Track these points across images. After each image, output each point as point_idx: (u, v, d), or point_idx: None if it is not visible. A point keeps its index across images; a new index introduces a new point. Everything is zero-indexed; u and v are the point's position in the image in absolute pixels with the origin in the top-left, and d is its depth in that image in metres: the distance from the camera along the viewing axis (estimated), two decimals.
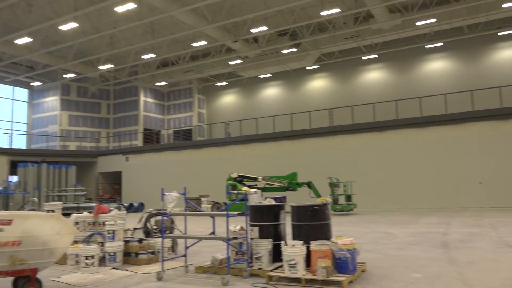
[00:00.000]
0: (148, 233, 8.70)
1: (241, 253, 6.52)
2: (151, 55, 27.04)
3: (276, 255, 6.52)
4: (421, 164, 20.71)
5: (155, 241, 8.11)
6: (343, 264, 5.76)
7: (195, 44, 25.82)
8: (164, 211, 7.33)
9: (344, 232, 11.28)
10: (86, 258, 7.08)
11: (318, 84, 31.54)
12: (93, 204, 17.46)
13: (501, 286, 5.25)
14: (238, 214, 6.59)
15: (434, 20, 23.40)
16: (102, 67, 28.86)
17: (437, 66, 27.56)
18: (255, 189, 7.62)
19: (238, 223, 7.02)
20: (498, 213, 16.16)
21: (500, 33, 25.49)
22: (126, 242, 7.88)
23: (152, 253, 7.90)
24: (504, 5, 21.51)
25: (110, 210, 8.86)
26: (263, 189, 19.15)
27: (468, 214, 15.98)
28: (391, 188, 21.21)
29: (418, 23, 23.82)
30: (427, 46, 27.44)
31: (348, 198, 18.90)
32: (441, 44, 27.11)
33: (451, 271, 6.16)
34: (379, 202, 21.24)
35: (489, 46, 26.14)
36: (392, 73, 28.88)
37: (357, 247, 5.94)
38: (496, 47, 25.97)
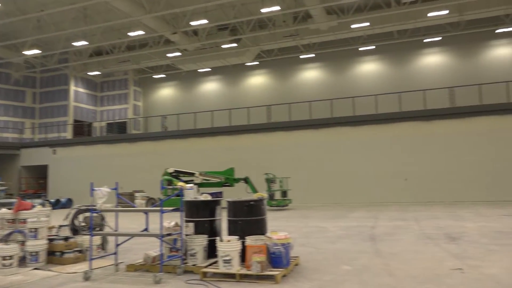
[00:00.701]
0: (75, 231, 8.21)
1: (175, 250, 6.36)
2: (83, 42, 25.56)
3: (212, 251, 6.45)
4: (353, 161, 21.69)
5: (83, 239, 7.67)
6: (277, 258, 5.84)
7: (131, 34, 24.81)
8: (94, 207, 6.94)
9: (279, 227, 11.48)
10: (4, 258, 6.52)
11: (258, 80, 31.79)
12: (14, 200, 16.15)
13: (422, 274, 5.62)
14: (173, 210, 6.42)
15: (368, 24, 24.56)
16: (27, 52, 26.74)
17: (369, 67, 28.97)
18: (191, 185, 7.48)
19: (173, 219, 6.85)
20: (420, 207, 17.39)
21: (425, 40, 27.36)
22: (50, 240, 7.37)
23: (80, 251, 7.47)
24: (429, 14, 23.10)
25: (33, 206, 8.23)
26: (200, 185, 18.95)
27: (394, 209, 17.01)
28: (324, 184, 21.99)
29: (353, 26, 24.85)
30: (360, 49, 28.72)
31: (284, 193, 19.29)
32: (373, 47, 28.52)
33: (378, 263, 6.49)
34: (313, 198, 21.93)
35: (415, 51, 27.95)
36: (328, 72, 29.89)
37: (291, 241, 6.04)
38: (422, 53, 27.85)
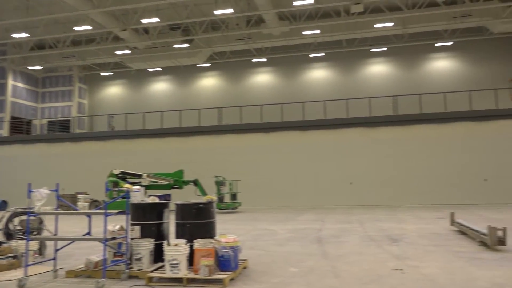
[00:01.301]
0: (9, 235, 7.67)
1: (120, 254, 6.12)
2: (24, 34, 24.09)
3: (159, 255, 6.28)
4: (302, 165, 22.13)
5: (18, 244, 7.17)
6: (225, 262, 5.79)
7: (77, 28, 23.72)
8: (31, 210, 6.51)
9: (228, 230, 11.43)
10: None
11: (209, 82, 31.58)
12: None
13: (366, 275, 5.82)
14: (118, 213, 6.18)
15: (318, 31, 25.22)
16: None
17: (319, 74, 29.75)
18: (138, 187, 7.25)
19: (118, 223, 6.58)
20: (365, 210, 18.06)
21: (372, 50, 28.57)
22: None
23: (14, 257, 6.97)
24: (376, 25, 24.16)
25: None
26: (148, 187, 18.47)
27: (340, 212, 17.53)
28: (274, 187, 22.24)
29: (304, 33, 25.41)
30: (311, 55, 29.43)
31: (234, 196, 19.27)
32: (323, 54, 29.34)
33: (324, 265, 6.63)
34: (263, 200, 22.10)
35: (362, 60, 29.10)
36: (280, 77, 30.32)
37: (239, 244, 6.02)
38: (368, 62, 29.05)
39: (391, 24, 24.04)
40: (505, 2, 23.71)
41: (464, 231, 9.34)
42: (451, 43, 27.51)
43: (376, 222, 12.73)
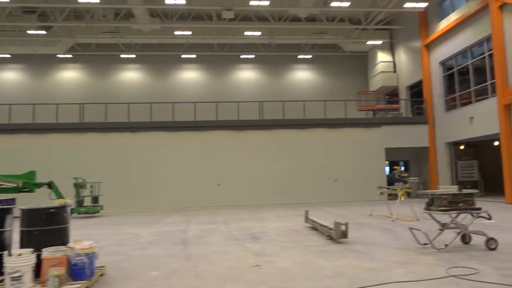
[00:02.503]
0: None
1: None
2: None
3: None
4: (170, 166, 21.80)
5: None
6: (79, 270, 5.36)
7: None
8: None
9: (87, 236, 10.62)
10: None
11: (70, 75, 28.94)
12: None
13: (226, 273, 6.00)
14: None
15: (190, 32, 25.23)
16: None
17: (190, 75, 29.75)
18: None
19: None
20: (231, 210, 18.65)
21: (241, 56, 29.74)
22: None
23: None
24: (245, 33, 25.23)
25: None
26: None
27: (207, 213, 17.77)
28: (140, 189, 21.43)
29: (176, 33, 25.14)
30: (182, 56, 29.28)
31: (95, 199, 17.99)
32: (195, 56, 29.46)
33: (187, 266, 6.64)
34: (129, 203, 21.11)
35: (232, 65, 30.09)
36: (149, 75, 29.42)
37: (96, 250, 5.64)
38: (238, 67, 30.15)
39: (259, 33, 25.38)
40: (355, 24, 27.08)
41: (315, 227, 10.34)
42: (310, 56, 30.27)
43: (240, 222, 13.26)
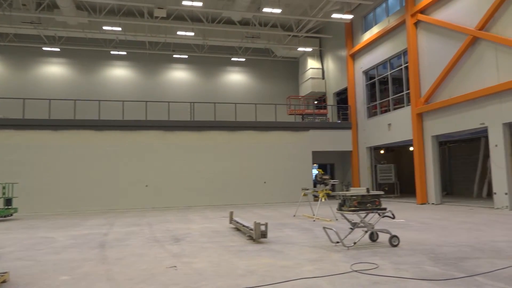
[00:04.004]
0: None
1: None
2: None
3: None
4: (95, 166, 20.89)
5: None
6: None
7: None
8: None
9: None
10: None
11: None
12: None
13: (140, 275, 5.93)
14: None
15: (120, 29, 24.41)
16: None
17: (120, 73, 28.75)
18: None
19: None
20: (158, 212, 18.30)
21: (174, 55, 29.33)
22: None
23: None
24: (178, 32, 24.94)
25: None
26: None
27: (132, 215, 17.28)
28: (61, 190, 20.28)
29: (104, 28, 24.18)
30: (112, 52, 28.21)
31: (8, 201, 16.72)
32: (125, 53, 28.53)
33: (100, 269, 6.45)
34: (47, 206, 19.88)
35: (165, 64, 29.57)
36: (76, 71, 27.98)
37: None
38: (171, 67, 29.70)
39: (193, 33, 25.23)
40: (286, 31, 27.92)
41: (239, 228, 10.52)
42: (243, 59, 30.66)
43: (165, 224, 13.09)
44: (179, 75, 29.73)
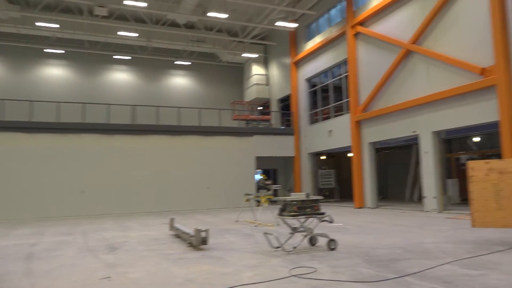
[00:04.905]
0: None
1: None
2: None
3: None
4: (25, 172, 19.48)
5: None
6: None
7: None
8: None
9: None
10: None
11: None
12: None
13: (69, 287, 5.57)
14: None
15: (57, 26, 23.14)
16: None
17: (55, 72, 27.20)
18: None
19: None
20: (95, 220, 17.44)
21: (115, 56, 28.29)
22: None
23: None
24: (119, 32, 24.09)
25: None
26: None
27: (66, 223, 16.31)
28: None
29: (38, 24, 22.78)
30: (47, 50, 26.65)
31: None
32: (63, 51, 27.07)
33: (24, 284, 5.97)
34: None
35: (105, 65, 28.43)
36: (6, 69, 26.06)
37: None
38: (111, 68, 28.61)
39: (136, 34, 24.50)
40: (232, 36, 28.00)
41: (179, 235, 10.27)
42: (189, 63, 30.31)
43: (101, 232, 12.48)
44: (121, 77, 28.71)
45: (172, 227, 11.34)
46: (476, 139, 20.86)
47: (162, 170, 21.91)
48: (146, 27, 24.11)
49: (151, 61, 29.44)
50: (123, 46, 28.22)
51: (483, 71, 13.60)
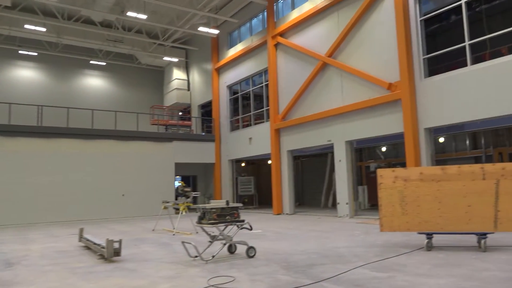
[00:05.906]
0: None
1: None
2: None
3: None
4: None
5: None
6: None
7: None
8: None
9: None
10: None
11: None
12: None
13: None
14: None
15: None
16: None
17: None
18: None
19: None
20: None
21: (20, 51, 25.84)
22: None
23: None
24: (26, 26, 22.05)
25: None
26: None
27: None
28: None
29: None
30: None
31: None
32: None
33: None
34: None
35: (8, 60, 25.82)
36: None
37: None
38: (15, 64, 26.06)
39: (44, 29, 22.60)
40: (152, 38, 27.16)
41: (89, 246, 9.53)
42: (104, 63, 28.74)
43: None
44: (27, 74, 26.25)
45: (81, 238, 10.50)
46: (384, 148, 22.55)
47: (72, 176, 20.33)
48: (56, 22, 22.36)
49: (63, 59, 27.39)
50: (30, 41, 25.91)
51: (390, 86, 14.73)
